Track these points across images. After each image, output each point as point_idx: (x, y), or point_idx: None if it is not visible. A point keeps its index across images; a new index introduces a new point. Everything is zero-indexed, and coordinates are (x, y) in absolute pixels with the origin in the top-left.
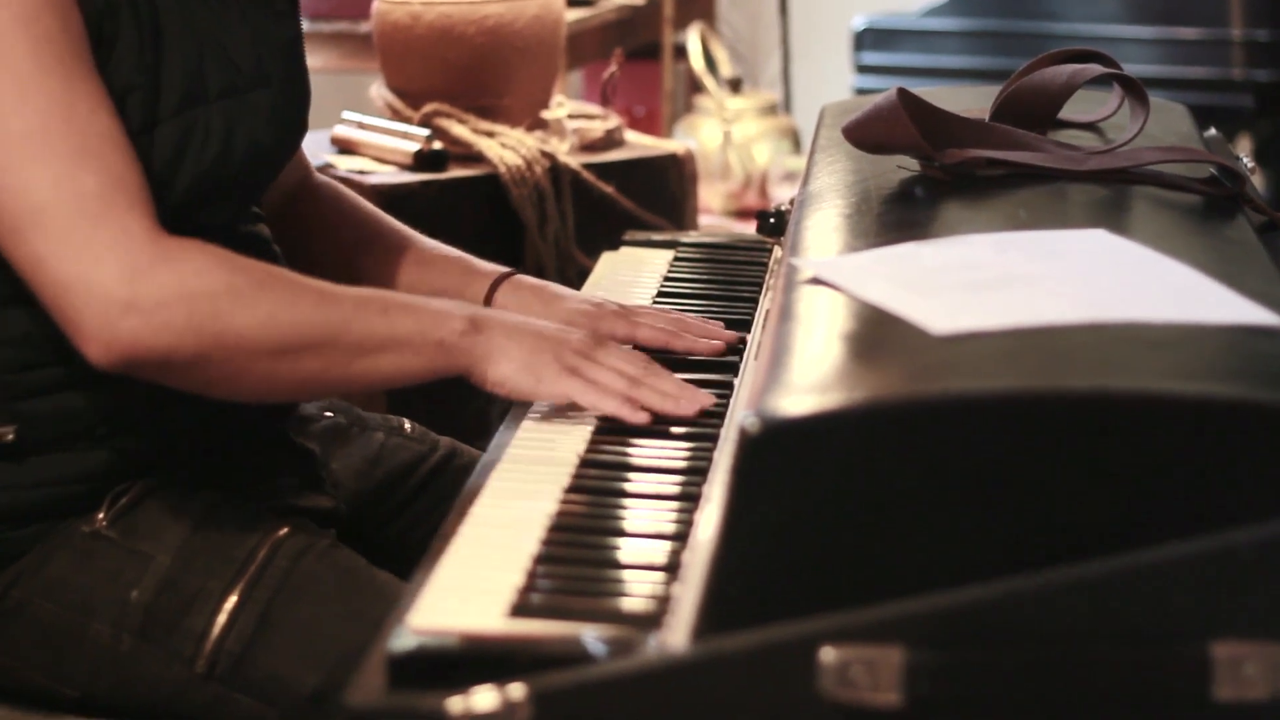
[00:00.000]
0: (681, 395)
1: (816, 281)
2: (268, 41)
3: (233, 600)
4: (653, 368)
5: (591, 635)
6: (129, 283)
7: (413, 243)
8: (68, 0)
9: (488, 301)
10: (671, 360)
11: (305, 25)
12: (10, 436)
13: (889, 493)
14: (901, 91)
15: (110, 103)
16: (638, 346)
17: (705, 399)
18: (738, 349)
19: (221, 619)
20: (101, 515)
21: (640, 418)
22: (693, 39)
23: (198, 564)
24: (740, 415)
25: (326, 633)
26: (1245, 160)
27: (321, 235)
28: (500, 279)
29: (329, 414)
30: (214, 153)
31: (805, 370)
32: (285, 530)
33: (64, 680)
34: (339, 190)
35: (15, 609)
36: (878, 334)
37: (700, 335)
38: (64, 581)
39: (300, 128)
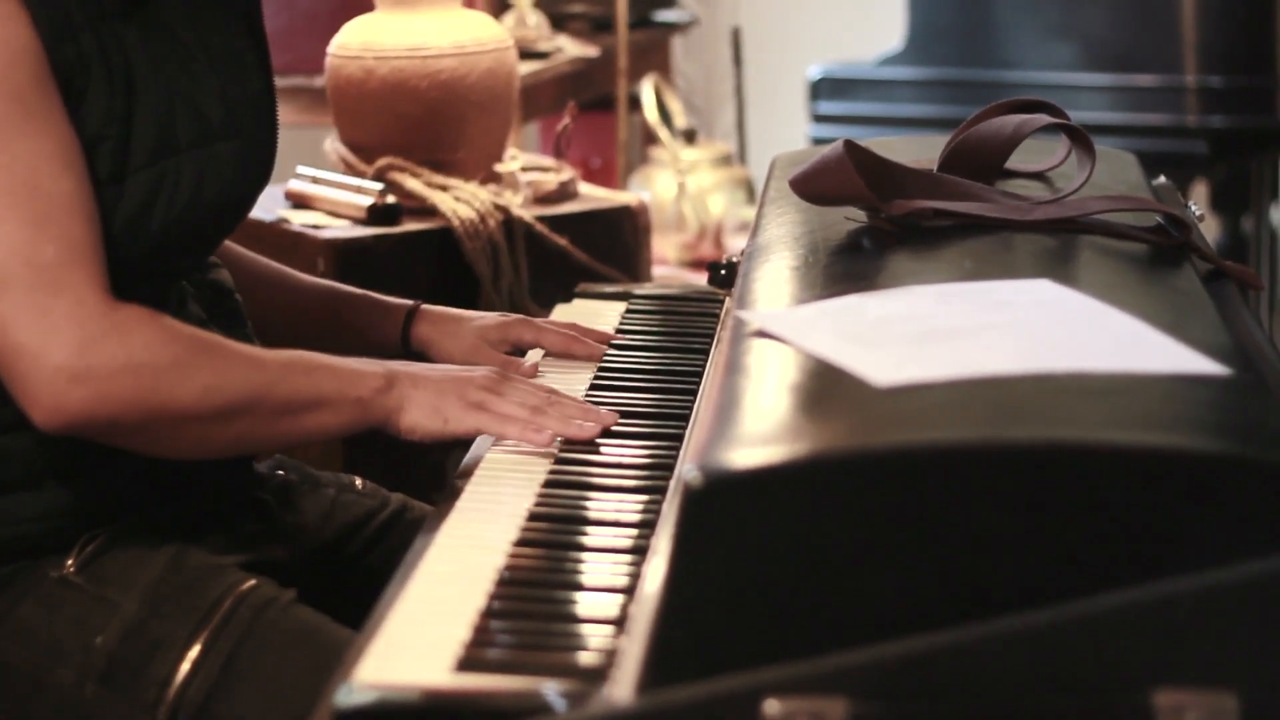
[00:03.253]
0: (586, 419)
1: (762, 334)
2: (237, 94)
3: (196, 649)
4: (556, 397)
5: (538, 689)
6: (79, 354)
7: (322, 287)
8: (39, 54)
9: (406, 335)
10: (619, 412)
11: None
12: None
13: (833, 545)
14: (848, 143)
15: (78, 160)
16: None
17: (608, 418)
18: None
19: (185, 667)
20: (70, 562)
21: (543, 438)
22: (647, 90)
23: (163, 611)
24: (684, 469)
25: (288, 684)
26: (1193, 208)
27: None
28: (411, 313)
29: (280, 472)
30: (183, 202)
31: (749, 423)
32: (251, 583)
33: None
34: (240, 253)
35: None
36: (823, 387)
37: (598, 341)
38: (31, 627)
39: (265, 178)
